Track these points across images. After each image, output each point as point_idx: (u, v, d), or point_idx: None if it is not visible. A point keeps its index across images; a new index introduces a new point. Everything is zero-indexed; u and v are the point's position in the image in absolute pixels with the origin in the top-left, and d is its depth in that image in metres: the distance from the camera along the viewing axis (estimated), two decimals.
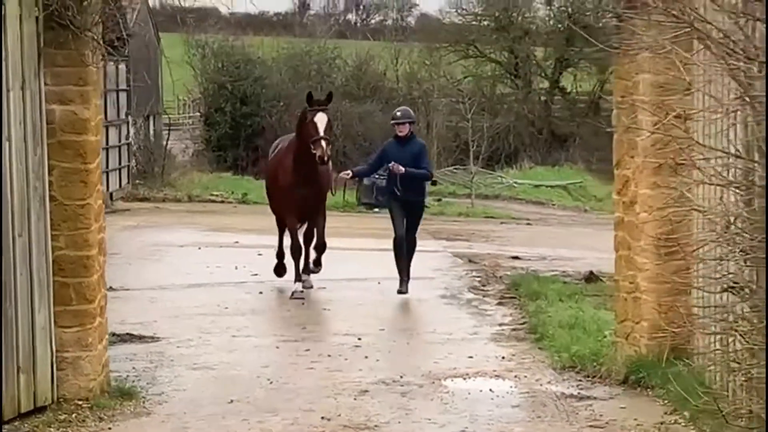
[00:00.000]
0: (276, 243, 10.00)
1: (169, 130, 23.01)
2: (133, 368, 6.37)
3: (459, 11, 33.52)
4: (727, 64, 4.12)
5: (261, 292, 9.60)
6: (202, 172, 21.92)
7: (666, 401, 5.55)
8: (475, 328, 8.34)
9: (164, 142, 21.92)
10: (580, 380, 6.33)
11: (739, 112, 4.22)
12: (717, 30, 4.24)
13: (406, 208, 9.51)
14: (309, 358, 7.06)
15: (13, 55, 5.04)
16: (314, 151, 8.93)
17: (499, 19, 31.76)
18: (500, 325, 8.39)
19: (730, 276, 4.34)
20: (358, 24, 46.31)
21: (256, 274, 10.31)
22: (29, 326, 5.14)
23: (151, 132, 21.54)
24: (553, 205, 24.62)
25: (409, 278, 9.45)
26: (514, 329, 8.19)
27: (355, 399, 5.99)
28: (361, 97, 27.34)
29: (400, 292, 9.31)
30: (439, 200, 21.54)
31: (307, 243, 9.67)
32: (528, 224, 19.43)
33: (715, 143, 4.53)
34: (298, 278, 9.31)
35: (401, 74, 30.79)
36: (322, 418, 5.54)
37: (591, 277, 10.44)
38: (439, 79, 30.13)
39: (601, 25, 29.72)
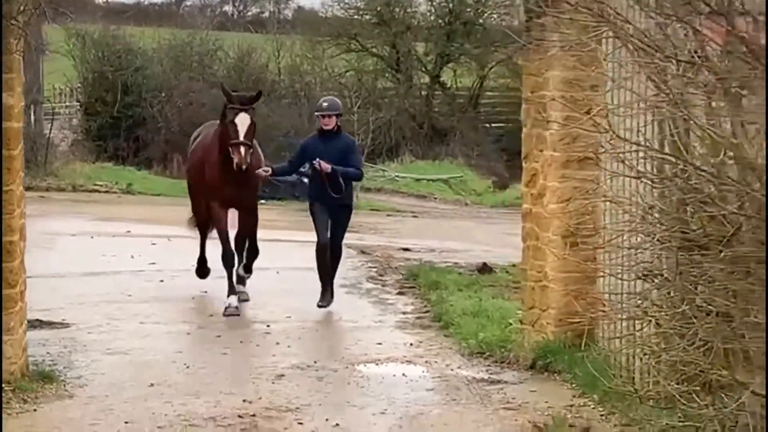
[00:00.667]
0: (198, 248, 9.26)
1: (52, 119, 22.43)
2: (48, 353, 6.37)
3: (341, 5, 33.73)
4: (645, 62, 4.44)
5: (162, 281, 9.49)
6: (84, 162, 21.47)
7: (574, 385, 5.90)
8: (379, 316, 8.56)
9: (46, 131, 21.34)
10: (489, 365, 6.64)
11: (655, 109, 4.55)
12: (635, 28, 4.56)
13: (331, 211, 8.56)
14: (221, 344, 7.15)
15: None
16: (232, 156, 8.07)
17: (380, 13, 32.16)
18: (404, 313, 8.65)
19: (645, 264, 4.67)
20: (236, 16, 45.91)
21: (153, 263, 10.22)
22: None
23: (32, 120, 20.88)
24: (435, 198, 25.17)
25: (332, 290, 8.60)
26: (418, 317, 8.46)
27: (273, 383, 6.13)
28: (243, 89, 27.36)
29: (320, 305, 8.40)
30: None
31: (239, 248, 8.79)
32: (414, 216, 19.95)
33: (632, 137, 4.87)
34: (232, 291, 8.30)
35: (283, 67, 30.84)
36: (244, 400, 5.67)
37: (484, 268, 10.82)
38: (321, 72, 30.34)
39: (482, 21, 30.73)
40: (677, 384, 4.49)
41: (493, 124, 30.73)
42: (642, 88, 4.76)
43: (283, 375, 6.31)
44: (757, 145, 4.02)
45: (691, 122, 4.20)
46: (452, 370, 6.60)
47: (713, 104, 4.18)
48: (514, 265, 9.16)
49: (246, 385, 6.01)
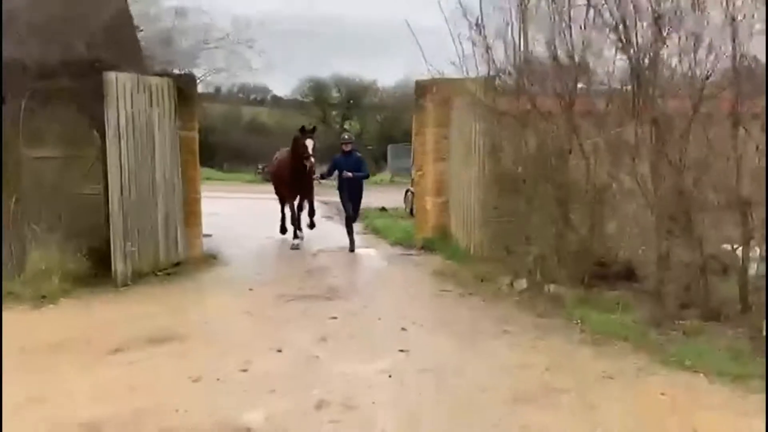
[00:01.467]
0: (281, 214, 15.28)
1: None
2: (209, 248, 13.45)
3: None
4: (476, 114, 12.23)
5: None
6: None
7: (443, 255, 13.53)
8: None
9: None
10: (403, 248, 14.29)
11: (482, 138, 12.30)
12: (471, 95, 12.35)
13: (351, 196, 14.01)
14: (288, 248, 14.53)
15: None
16: (305, 162, 13.51)
17: None
18: (359, 230, 16.32)
19: (479, 200, 12.49)
20: None
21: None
22: (177, 230, 12.20)
23: None
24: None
25: (353, 239, 14.11)
26: (363, 231, 16.21)
27: (312, 256, 13.55)
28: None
29: (351, 250, 13.87)
30: None
31: (308, 213, 14.58)
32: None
33: (465, 151, 12.67)
34: (296, 236, 14.29)
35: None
36: (306, 271, 13.07)
37: (383, 209, 19.05)
38: None
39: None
40: (492, 249, 12.11)
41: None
42: (472, 125, 12.53)
43: (317, 254, 13.76)
44: (510, 153, 11.80)
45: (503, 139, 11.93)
46: (387, 250, 14.24)
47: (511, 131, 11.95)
48: (395, 209, 17.22)
49: (304, 261, 13.38)
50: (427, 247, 13.85)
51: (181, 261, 11.99)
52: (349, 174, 13.88)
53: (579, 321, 8.40)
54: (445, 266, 12.02)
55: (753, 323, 7.96)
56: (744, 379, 6.57)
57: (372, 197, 24.13)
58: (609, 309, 8.68)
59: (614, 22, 8.47)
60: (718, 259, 8.65)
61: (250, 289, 10.54)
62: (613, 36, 8.55)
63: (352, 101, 47.75)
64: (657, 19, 8.72)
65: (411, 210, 20.57)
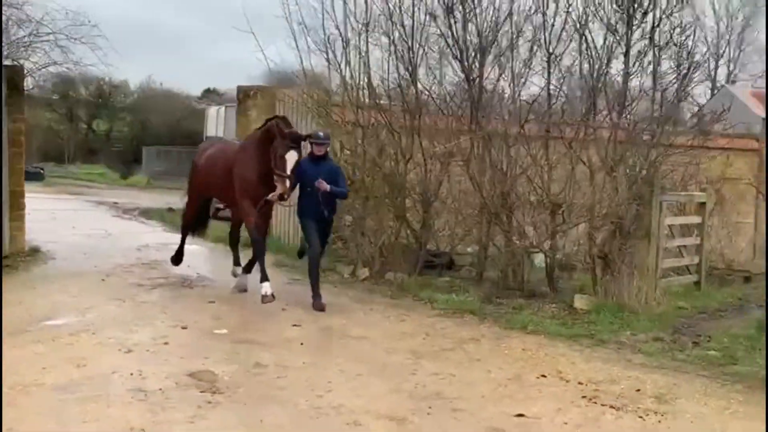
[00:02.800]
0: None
1: None
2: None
3: None
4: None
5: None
6: None
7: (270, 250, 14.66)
8: (144, 226, 16.81)
9: None
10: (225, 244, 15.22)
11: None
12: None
13: (320, 224, 9.59)
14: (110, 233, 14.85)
15: None
16: (275, 183, 9.22)
17: None
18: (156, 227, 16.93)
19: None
20: None
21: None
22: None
23: None
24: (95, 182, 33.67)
25: (320, 293, 9.54)
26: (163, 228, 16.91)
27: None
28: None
29: (318, 308, 9.33)
30: None
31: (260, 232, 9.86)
32: (99, 188, 28.31)
33: None
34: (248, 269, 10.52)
35: None
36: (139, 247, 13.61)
37: (171, 209, 19.77)
38: None
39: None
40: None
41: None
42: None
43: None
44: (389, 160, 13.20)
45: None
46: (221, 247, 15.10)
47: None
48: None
49: (133, 254, 13.92)
50: (251, 244, 14.83)
51: (6, 255, 11.93)
52: (326, 186, 9.36)
53: (428, 300, 10.03)
54: (279, 260, 13.12)
55: (561, 299, 10.07)
56: (575, 337, 8.55)
57: (140, 199, 24.86)
58: (448, 291, 10.42)
59: (458, 52, 10.24)
60: (530, 249, 10.71)
61: (103, 280, 11.03)
62: (455, 64, 10.32)
63: (101, 100, 46.90)
64: (483, 52, 10.65)
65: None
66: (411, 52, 10.74)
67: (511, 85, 10.31)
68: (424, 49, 10.51)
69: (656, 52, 9.89)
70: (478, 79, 10.56)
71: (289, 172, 9.19)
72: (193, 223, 11.53)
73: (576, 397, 6.49)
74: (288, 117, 13.96)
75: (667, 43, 9.81)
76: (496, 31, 10.48)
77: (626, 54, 9.85)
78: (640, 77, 9.97)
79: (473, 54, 10.53)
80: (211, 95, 52.88)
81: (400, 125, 11.02)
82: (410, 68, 10.82)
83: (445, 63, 10.67)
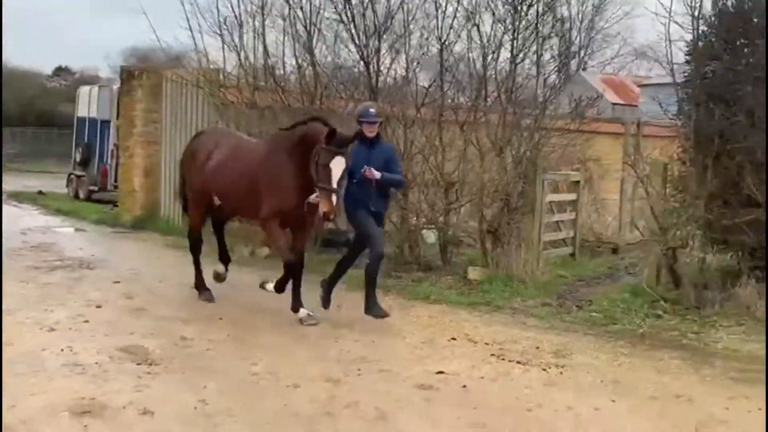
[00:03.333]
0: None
1: None
2: None
3: None
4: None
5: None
6: None
7: (159, 232, 14.67)
8: (19, 210, 16.44)
9: None
10: (111, 227, 15.13)
11: None
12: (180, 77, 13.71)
13: (374, 218, 8.05)
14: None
15: None
16: (317, 200, 7.38)
17: None
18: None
19: None
20: None
21: None
22: None
23: None
24: None
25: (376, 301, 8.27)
26: (44, 212, 16.58)
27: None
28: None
29: (379, 314, 8.20)
30: None
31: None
32: None
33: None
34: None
35: None
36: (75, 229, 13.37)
37: (41, 192, 19.48)
38: None
39: None
40: None
41: None
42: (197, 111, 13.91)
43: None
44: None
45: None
46: (98, 229, 14.94)
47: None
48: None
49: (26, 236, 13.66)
50: (138, 225, 14.89)
51: None
52: (377, 174, 7.83)
53: None
54: (170, 241, 13.25)
55: (455, 272, 10.76)
56: (473, 305, 9.29)
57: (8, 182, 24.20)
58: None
59: (358, 39, 10.70)
60: (426, 226, 11.34)
61: None
62: (353, 49, 10.78)
63: None
64: (380, 36, 11.17)
65: (76, 194, 21.05)
66: (309, 34, 11.11)
67: (407, 70, 10.86)
68: (320, 32, 10.90)
69: (540, 42, 10.68)
70: (374, 63, 11.05)
71: (335, 185, 7.38)
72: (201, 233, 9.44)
73: (486, 356, 7.16)
74: (176, 98, 14.12)
75: (549, 34, 10.60)
76: (390, 18, 11.00)
77: (513, 42, 10.57)
78: (526, 65, 10.73)
79: (369, 38, 11.01)
80: (63, 73, 50.86)
81: (298, 107, 11.37)
82: (308, 49, 11.19)
83: (341, 47, 11.08)
